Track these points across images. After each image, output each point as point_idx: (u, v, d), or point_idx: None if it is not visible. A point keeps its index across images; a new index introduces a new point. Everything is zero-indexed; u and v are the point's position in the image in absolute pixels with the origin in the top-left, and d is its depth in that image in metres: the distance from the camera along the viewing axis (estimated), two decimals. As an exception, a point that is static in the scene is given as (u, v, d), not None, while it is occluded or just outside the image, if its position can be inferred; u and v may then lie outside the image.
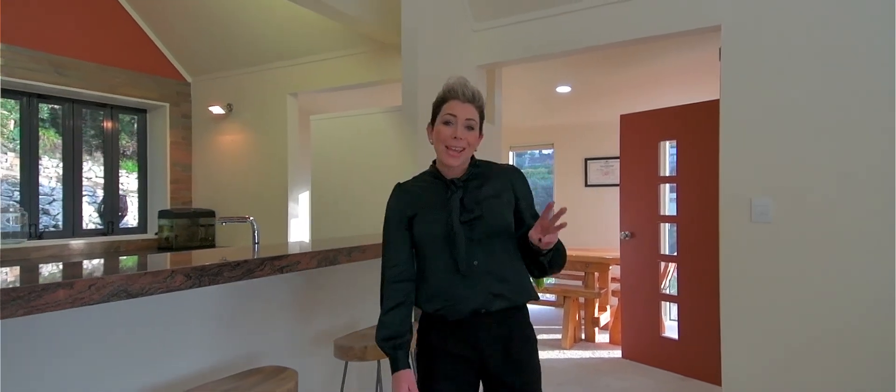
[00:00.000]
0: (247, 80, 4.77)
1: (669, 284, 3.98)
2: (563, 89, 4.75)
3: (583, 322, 4.57)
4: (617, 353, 4.08)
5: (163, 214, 4.67)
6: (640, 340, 3.91)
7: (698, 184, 3.52)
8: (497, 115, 3.74)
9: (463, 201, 1.37)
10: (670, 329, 3.89)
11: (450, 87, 1.38)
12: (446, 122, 1.36)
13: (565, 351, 4.18)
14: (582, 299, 4.50)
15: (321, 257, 1.73)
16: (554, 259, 1.39)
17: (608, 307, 4.78)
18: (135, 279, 1.18)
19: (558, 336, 4.51)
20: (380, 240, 2.17)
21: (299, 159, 4.68)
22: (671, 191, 3.96)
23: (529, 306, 1.45)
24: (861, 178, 2.28)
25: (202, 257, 1.54)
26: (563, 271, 4.90)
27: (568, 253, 4.08)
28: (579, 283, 4.60)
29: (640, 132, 3.99)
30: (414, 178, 1.50)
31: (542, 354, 4.05)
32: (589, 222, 5.86)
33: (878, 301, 2.25)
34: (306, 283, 2.05)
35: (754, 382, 2.52)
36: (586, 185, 6.09)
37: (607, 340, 4.45)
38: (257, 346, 1.83)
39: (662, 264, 3.87)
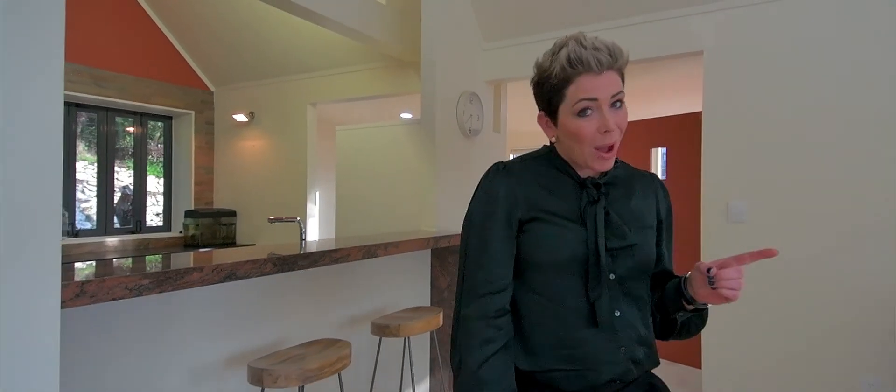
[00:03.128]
0: (268, 90, 5.12)
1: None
2: (562, 99, 5.12)
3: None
4: (611, 343, 4.45)
5: (189, 214, 5.01)
6: (633, 330, 4.27)
7: (685, 187, 3.89)
8: (502, 124, 4.10)
9: (608, 216, 0.95)
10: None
11: (575, 56, 0.89)
12: (582, 112, 0.90)
13: (564, 340, 4.54)
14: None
15: (365, 251, 2.09)
16: (693, 321, 1.01)
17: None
18: (240, 266, 1.54)
19: (557, 327, 4.88)
20: (406, 237, 2.54)
21: (317, 164, 5.03)
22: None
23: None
24: (826, 182, 2.65)
25: (253, 253, 1.87)
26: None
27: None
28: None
29: (633, 139, 4.36)
30: (522, 159, 1.05)
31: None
32: (586, 222, 6.25)
33: (841, 290, 2.62)
34: (342, 274, 2.41)
35: (730, 365, 2.89)
36: (583, 187, 6.47)
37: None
38: (309, 324, 2.19)
39: (653, 261, 4.24)
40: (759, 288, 2.80)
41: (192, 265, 1.42)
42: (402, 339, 2.50)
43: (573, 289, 0.93)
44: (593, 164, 0.94)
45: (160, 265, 1.43)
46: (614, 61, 0.90)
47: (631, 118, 4.64)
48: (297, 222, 2.42)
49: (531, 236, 0.95)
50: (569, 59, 0.90)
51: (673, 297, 0.98)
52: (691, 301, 0.93)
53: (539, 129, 1.02)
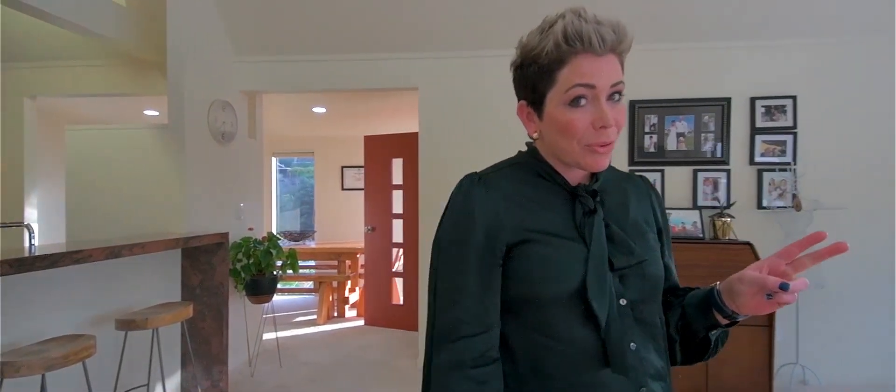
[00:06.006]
0: (-37, 76, 4.29)
1: (399, 265, 5.25)
2: (319, 110, 5.63)
3: (336, 302, 5.55)
4: (362, 323, 5.17)
5: None
6: (378, 308, 5.08)
7: (414, 190, 4.84)
8: (258, 130, 4.40)
9: (610, 229, 0.81)
10: (398, 297, 5.15)
11: (574, 30, 0.74)
12: (575, 100, 0.76)
13: (320, 326, 5.08)
14: (335, 283, 5.46)
15: (109, 252, 2.23)
16: (721, 336, 0.87)
17: (358, 288, 5.86)
18: (-33, 268, 1.61)
19: (314, 316, 5.38)
20: (154, 238, 2.70)
21: (39, 166, 4.46)
22: (398, 195, 5.24)
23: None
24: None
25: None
26: (320, 260, 5.83)
27: (328, 247, 5.33)
28: (334, 270, 5.57)
29: (378, 150, 5.16)
30: (497, 168, 0.88)
31: (300, 331, 4.87)
32: (344, 219, 6.96)
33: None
34: (84, 275, 2.46)
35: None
36: (343, 188, 7.13)
37: (356, 315, 5.53)
38: (49, 325, 2.21)
39: (394, 250, 5.10)
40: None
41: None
42: (150, 333, 2.66)
43: (580, 322, 0.77)
44: (584, 162, 0.78)
45: None
46: (619, 42, 0.75)
47: (376, 131, 5.39)
48: (26, 227, 2.37)
49: (524, 263, 0.78)
50: (565, 34, 0.74)
51: (702, 314, 0.82)
52: (733, 315, 0.77)
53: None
